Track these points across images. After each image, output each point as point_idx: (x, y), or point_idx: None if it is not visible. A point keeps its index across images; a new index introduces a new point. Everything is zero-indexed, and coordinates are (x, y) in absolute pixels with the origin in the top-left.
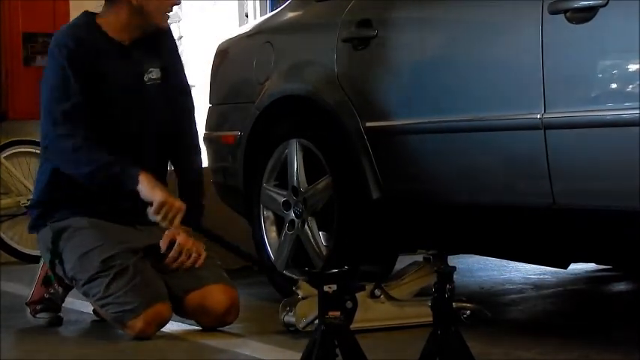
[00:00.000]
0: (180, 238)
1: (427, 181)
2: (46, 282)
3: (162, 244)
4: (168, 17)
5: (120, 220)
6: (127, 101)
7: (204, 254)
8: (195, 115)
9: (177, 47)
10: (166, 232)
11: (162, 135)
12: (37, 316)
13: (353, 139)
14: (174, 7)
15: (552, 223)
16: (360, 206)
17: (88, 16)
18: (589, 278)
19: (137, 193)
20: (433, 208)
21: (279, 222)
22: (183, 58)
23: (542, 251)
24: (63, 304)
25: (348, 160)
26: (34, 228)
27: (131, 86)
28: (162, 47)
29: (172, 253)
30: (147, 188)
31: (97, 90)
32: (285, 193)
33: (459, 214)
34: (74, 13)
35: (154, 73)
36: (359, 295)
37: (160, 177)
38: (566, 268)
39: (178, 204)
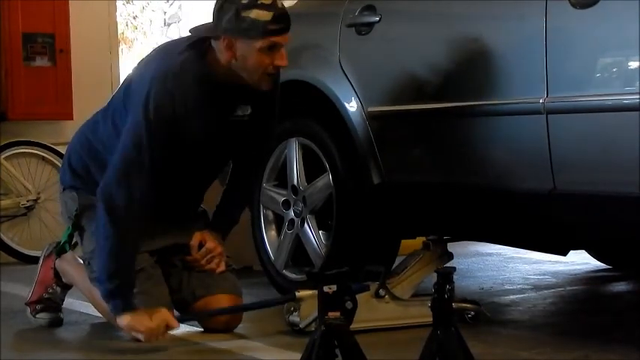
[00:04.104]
0: (210, 244)
1: (428, 166)
2: (59, 253)
3: (194, 244)
4: (270, 79)
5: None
6: (204, 141)
7: (223, 266)
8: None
9: (277, 89)
10: (196, 233)
11: (228, 158)
12: (37, 316)
13: (354, 124)
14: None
15: (552, 209)
16: (360, 193)
17: (201, 58)
18: (589, 278)
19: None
20: (434, 193)
21: (279, 221)
22: None
23: (542, 237)
24: (63, 305)
25: (349, 146)
26: (62, 183)
27: (213, 128)
28: (261, 96)
29: (197, 255)
30: (127, 326)
31: (175, 134)
32: (284, 192)
33: (460, 199)
34: (74, 13)
35: (243, 112)
36: (364, 295)
37: (209, 181)
38: (565, 254)
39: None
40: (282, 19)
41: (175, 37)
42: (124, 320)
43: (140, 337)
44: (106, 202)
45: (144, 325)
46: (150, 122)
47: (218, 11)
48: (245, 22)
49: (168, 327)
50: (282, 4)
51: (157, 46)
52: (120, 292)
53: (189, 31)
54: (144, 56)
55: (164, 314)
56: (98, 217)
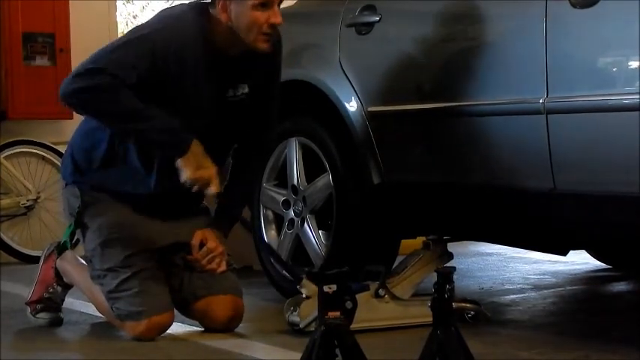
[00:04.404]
0: (211, 244)
1: (428, 165)
2: (61, 250)
3: (195, 244)
4: (267, 38)
5: (150, 211)
6: (198, 115)
7: (224, 266)
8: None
9: (278, 68)
10: (197, 232)
11: (228, 144)
12: (37, 316)
13: (354, 123)
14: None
15: (552, 209)
16: (360, 193)
17: (201, 16)
18: (589, 278)
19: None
20: (434, 192)
21: (279, 221)
22: None
23: (541, 237)
24: (63, 305)
25: (349, 146)
26: (64, 179)
27: (209, 102)
28: (261, 66)
29: (198, 255)
30: (191, 165)
31: (167, 99)
32: (284, 192)
33: (460, 199)
34: (74, 13)
35: (240, 89)
36: (364, 295)
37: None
38: (565, 254)
39: (220, 249)
40: None
41: None
42: (191, 155)
43: (184, 175)
44: (72, 93)
45: (190, 170)
46: (151, 42)
47: None
48: None
49: (207, 180)
50: None
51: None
52: (171, 134)
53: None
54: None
55: (210, 172)
56: (88, 93)
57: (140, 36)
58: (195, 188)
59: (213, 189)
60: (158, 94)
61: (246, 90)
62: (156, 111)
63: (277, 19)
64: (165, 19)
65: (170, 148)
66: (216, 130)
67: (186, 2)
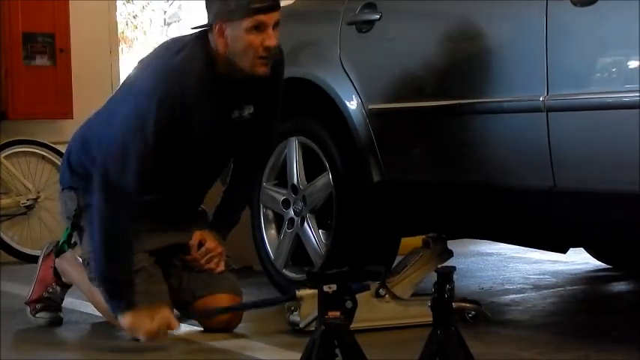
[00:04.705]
0: (210, 244)
1: (428, 163)
2: (58, 253)
3: (193, 243)
4: (264, 62)
5: (148, 213)
6: (205, 139)
7: (222, 266)
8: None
9: (281, 86)
10: (196, 232)
11: (229, 157)
12: (37, 315)
13: (355, 121)
14: (176, 10)
15: (552, 207)
16: (359, 192)
17: (202, 48)
18: (589, 278)
19: (175, 190)
20: (434, 190)
21: (279, 220)
22: None
23: (541, 235)
24: (63, 304)
25: (349, 145)
26: (61, 183)
27: (214, 126)
28: (265, 86)
29: (196, 255)
30: (128, 326)
31: (177, 130)
32: (284, 191)
33: (460, 197)
34: (74, 13)
35: (245, 110)
36: (364, 295)
37: (210, 180)
38: (565, 252)
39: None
40: None
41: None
42: (125, 320)
43: (141, 338)
44: (102, 177)
45: (144, 327)
46: (153, 112)
47: (207, 1)
48: (230, 4)
49: (169, 327)
50: None
51: (157, 45)
52: (119, 291)
53: (191, 28)
54: (144, 56)
55: (165, 314)
56: (92, 200)
57: (151, 108)
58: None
59: (174, 327)
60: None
61: (252, 110)
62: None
63: (272, 42)
64: (165, 60)
65: (111, 302)
66: (220, 148)
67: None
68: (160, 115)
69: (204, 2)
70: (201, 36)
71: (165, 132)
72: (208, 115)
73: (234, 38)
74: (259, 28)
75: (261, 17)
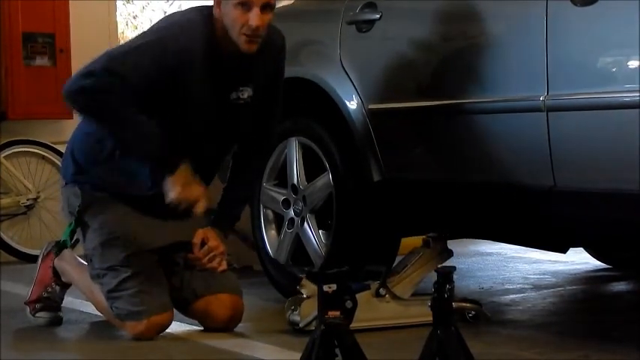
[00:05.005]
0: (212, 242)
1: (428, 163)
2: (60, 249)
3: (196, 242)
4: (249, 39)
5: (151, 211)
6: (200, 117)
7: (224, 265)
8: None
9: (281, 71)
10: (199, 231)
11: (229, 145)
12: (37, 315)
13: (355, 121)
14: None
15: (552, 206)
16: (359, 192)
17: (206, 18)
18: (589, 278)
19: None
20: (434, 190)
21: (279, 220)
22: None
23: (541, 235)
24: (62, 304)
25: (349, 145)
26: (64, 178)
27: (210, 103)
28: (263, 65)
29: (199, 254)
30: (178, 184)
31: (173, 99)
32: (284, 191)
33: (460, 197)
34: (74, 13)
35: (244, 92)
36: (364, 295)
37: (211, 171)
38: (565, 252)
39: (221, 248)
40: None
41: None
42: (170, 179)
43: (172, 197)
44: (104, 72)
45: (176, 191)
46: (154, 52)
47: None
48: None
49: (195, 204)
50: None
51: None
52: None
53: None
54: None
55: (198, 191)
56: (98, 98)
57: (151, 40)
58: (181, 207)
59: (199, 209)
60: (164, 96)
61: (251, 93)
62: (155, 128)
63: (255, 22)
64: (172, 23)
65: (160, 166)
66: (218, 131)
67: (190, 6)
68: (159, 58)
69: (204, 2)
70: (205, 9)
71: (161, 80)
72: (205, 89)
73: (225, 11)
74: (245, 5)
75: None
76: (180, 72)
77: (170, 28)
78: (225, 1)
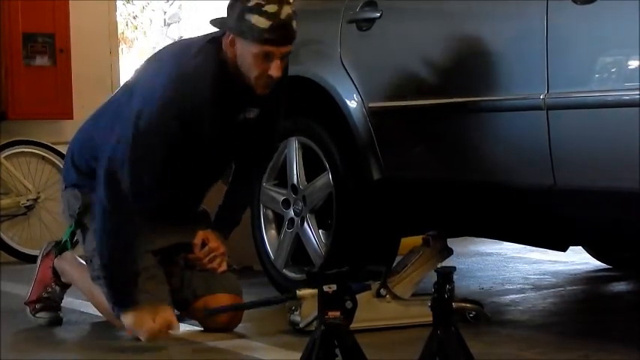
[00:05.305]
0: (213, 244)
1: (428, 161)
2: (61, 250)
3: (197, 243)
4: (265, 85)
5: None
6: (210, 142)
7: (225, 266)
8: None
9: (284, 85)
10: (200, 232)
11: (231, 161)
12: (37, 315)
13: (355, 120)
14: (174, 11)
15: (552, 205)
16: (359, 192)
17: (215, 54)
18: (589, 278)
19: (180, 196)
20: (434, 189)
21: (279, 220)
22: None
23: (541, 233)
24: (62, 304)
25: (349, 145)
26: (65, 181)
27: (220, 129)
28: (271, 92)
29: (200, 254)
30: (129, 325)
31: (184, 134)
32: (284, 191)
33: (460, 195)
34: (74, 13)
35: (251, 113)
36: (365, 295)
37: (212, 182)
38: (565, 250)
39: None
40: (281, 30)
41: (175, 37)
42: (127, 319)
43: (142, 337)
44: (107, 177)
45: (146, 326)
46: (162, 116)
47: (229, 8)
48: (245, 24)
49: (170, 328)
50: (289, 15)
51: (169, 45)
52: (122, 289)
53: (210, 21)
54: (151, 55)
55: (166, 315)
56: (97, 198)
57: (164, 104)
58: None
59: (175, 330)
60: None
61: (257, 113)
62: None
63: (275, 73)
64: (181, 74)
65: (114, 300)
66: (223, 149)
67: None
68: (168, 120)
69: (204, 2)
70: (215, 40)
71: (172, 135)
72: (216, 119)
73: (242, 55)
74: (267, 57)
75: (270, 48)
76: (195, 124)
77: (180, 89)
78: (242, 45)
